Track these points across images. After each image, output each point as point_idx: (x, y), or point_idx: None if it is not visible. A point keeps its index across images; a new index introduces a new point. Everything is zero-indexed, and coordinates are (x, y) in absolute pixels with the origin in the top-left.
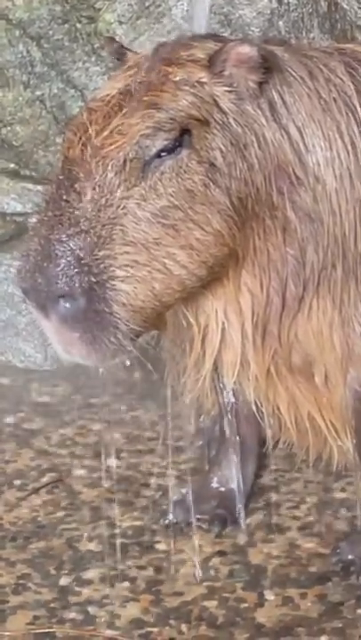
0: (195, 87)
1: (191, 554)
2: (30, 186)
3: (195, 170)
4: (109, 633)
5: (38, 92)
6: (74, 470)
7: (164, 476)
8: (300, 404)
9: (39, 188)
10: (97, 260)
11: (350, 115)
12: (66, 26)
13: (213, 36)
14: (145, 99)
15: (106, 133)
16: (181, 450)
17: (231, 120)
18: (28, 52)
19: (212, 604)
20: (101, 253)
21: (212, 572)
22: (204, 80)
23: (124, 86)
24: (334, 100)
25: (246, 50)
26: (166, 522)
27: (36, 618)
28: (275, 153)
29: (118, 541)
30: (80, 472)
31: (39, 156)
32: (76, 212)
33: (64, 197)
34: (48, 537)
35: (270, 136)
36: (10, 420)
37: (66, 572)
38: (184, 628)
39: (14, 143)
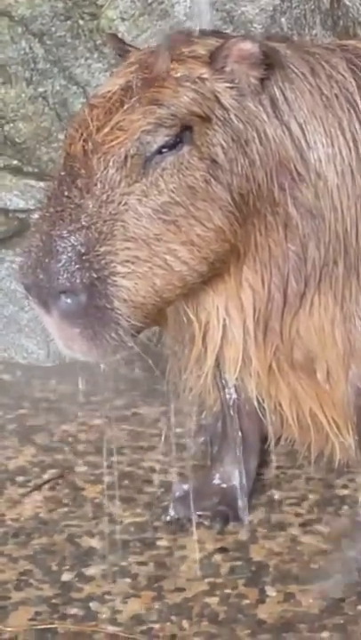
0: (196, 83)
1: (193, 550)
2: (33, 182)
3: (196, 166)
4: (111, 629)
5: (41, 89)
6: (76, 467)
7: (165, 473)
8: (302, 401)
9: (42, 184)
10: (98, 255)
11: (352, 111)
12: (68, 23)
13: (215, 33)
14: (146, 95)
15: (107, 129)
16: (183, 446)
17: (232, 116)
18: (30, 48)
19: (213, 601)
20: (102, 249)
21: (213, 569)
22: (205, 76)
23: (126, 82)
24: (336, 96)
25: (248, 46)
26: (168, 518)
27: (37, 614)
28: (276, 149)
29: (120, 538)
30: (82, 468)
31: (42, 153)
32: (78, 208)
33: (65, 193)
34: (50, 533)
35: (272, 132)
36: (12, 416)
37: (68, 568)
38: (185, 624)
39: (17, 140)
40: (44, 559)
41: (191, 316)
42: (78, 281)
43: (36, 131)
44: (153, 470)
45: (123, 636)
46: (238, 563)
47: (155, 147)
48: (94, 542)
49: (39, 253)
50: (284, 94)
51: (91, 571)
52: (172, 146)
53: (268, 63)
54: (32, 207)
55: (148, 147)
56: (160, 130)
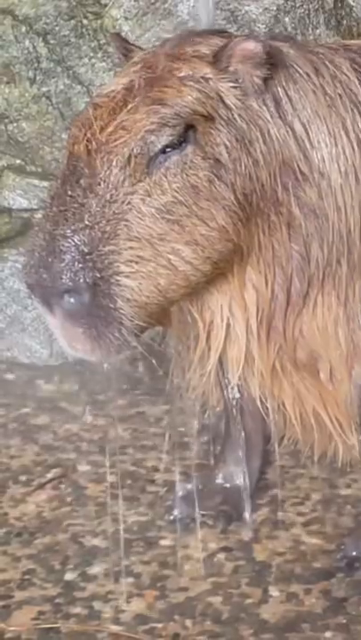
0: (200, 83)
1: (196, 550)
2: (36, 182)
3: (199, 165)
4: (114, 628)
5: (44, 89)
6: (79, 466)
7: (169, 472)
8: (305, 400)
9: (45, 184)
10: (101, 255)
11: (356, 111)
12: (72, 22)
13: (219, 32)
14: (150, 94)
15: (110, 129)
16: (186, 446)
17: (236, 116)
18: (34, 48)
19: (216, 600)
20: (106, 249)
21: (216, 568)
22: (209, 76)
23: (129, 82)
24: (340, 96)
25: (251, 46)
26: (171, 517)
27: (40, 613)
28: (280, 149)
29: (123, 537)
30: (85, 467)
31: (45, 152)
32: (81, 208)
33: (69, 193)
34: (53, 532)
35: (275, 132)
36: (15, 415)
37: (71, 567)
38: (189, 623)
39: (20, 139)
40: (47, 558)
41: (195, 315)
42: (82, 280)
43: (40, 130)
44: (156, 469)
45: (126, 636)
46: (241, 562)
47: (158, 146)
48: (97, 541)
49: (42, 253)
50: (287, 94)
51: (94, 570)
52: (176, 145)
53: (272, 63)
54: (35, 207)
55: (151, 146)
56: (164, 129)
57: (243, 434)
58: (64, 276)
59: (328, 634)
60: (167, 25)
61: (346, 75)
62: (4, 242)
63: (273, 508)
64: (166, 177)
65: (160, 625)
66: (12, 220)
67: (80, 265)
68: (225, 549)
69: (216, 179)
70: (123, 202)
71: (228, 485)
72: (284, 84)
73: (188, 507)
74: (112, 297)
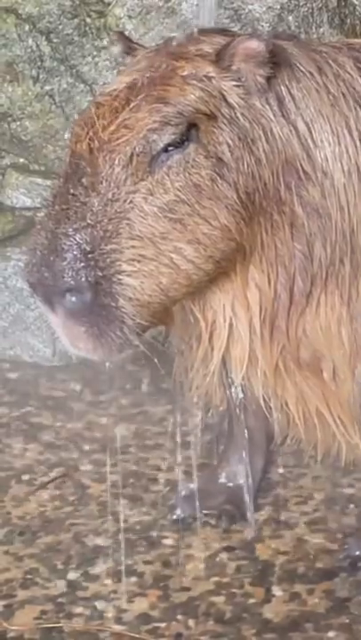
0: (202, 82)
1: (199, 549)
2: (39, 180)
3: (202, 164)
4: (117, 628)
5: (47, 87)
6: (82, 465)
7: (171, 472)
8: (309, 400)
9: (48, 182)
10: (103, 254)
11: (359, 110)
12: (75, 20)
13: (222, 31)
14: (152, 93)
15: (113, 128)
16: (189, 445)
17: (239, 115)
18: (37, 46)
19: (219, 600)
20: (108, 247)
21: (219, 568)
22: (211, 75)
23: (132, 81)
24: (343, 95)
25: (254, 45)
26: (174, 517)
27: (43, 612)
28: (282, 148)
29: (126, 536)
30: (88, 467)
31: (48, 151)
32: (83, 207)
33: (71, 191)
34: (56, 532)
35: (278, 131)
36: (18, 414)
37: (73, 566)
38: (191, 623)
39: (23, 138)
40: (49, 558)
41: (198, 314)
42: (83, 279)
43: (43, 129)
44: (159, 469)
45: (128, 635)
46: (244, 562)
47: (161, 145)
48: (100, 541)
49: (44, 251)
50: (290, 93)
51: (96, 569)
52: (179, 144)
53: (275, 62)
54: (38, 205)
55: (154, 145)
56: (166, 128)
57: (246, 433)
58: (66, 275)
59: (331, 634)
60: (171, 24)
61: (349, 73)
62: (7, 240)
63: (276, 507)
64: (169, 176)
65: (163, 624)
66: (14, 219)
67: (82, 264)
68: (228, 549)
69: (218, 177)
70: (125, 200)
71: (230, 485)
72: (287, 82)
73: (190, 506)
74: (114, 296)
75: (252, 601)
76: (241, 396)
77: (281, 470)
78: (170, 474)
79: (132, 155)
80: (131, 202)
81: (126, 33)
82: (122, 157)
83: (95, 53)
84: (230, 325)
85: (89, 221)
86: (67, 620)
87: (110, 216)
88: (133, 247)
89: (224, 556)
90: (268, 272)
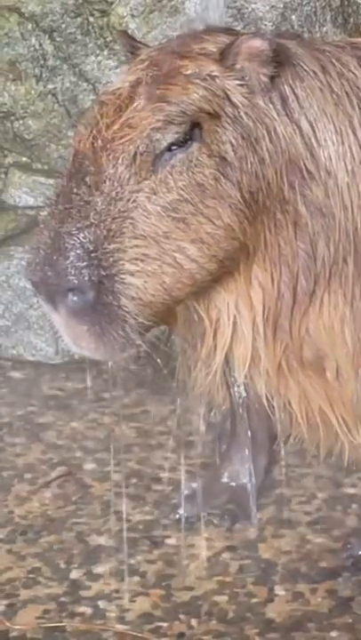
0: (206, 81)
1: (201, 549)
2: (42, 179)
3: (205, 163)
4: (119, 627)
5: (50, 86)
6: (84, 464)
7: (174, 471)
8: (311, 399)
9: (51, 181)
10: (106, 253)
11: None
12: (78, 19)
13: (225, 30)
14: (156, 92)
15: (116, 127)
16: (192, 444)
17: (242, 114)
18: (40, 45)
19: (222, 599)
20: (111, 247)
21: (222, 567)
22: (215, 74)
23: (136, 80)
24: (347, 94)
25: (258, 43)
26: (177, 516)
27: (46, 612)
28: (286, 147)
29: (128, 535)
30: (91, 466)
31: (51, 150)
32: (87, 205)
33: (74, 190)
34: (58, 531)
35: (282, 130)
36: (21, 413)
37: (76, 565)
38: (194, 622)
39: (26, 136)
40: (52, 557)
41: (201, 313)
42: (86, 278)
43: (46, 127)
44: (161, 468)
45: (131, 635)
46: (247, 561)
47: (164, 144)
48: (103, 540)
49: (47, 250)
50: (294, 92)
51: (99, 569)
52: (182, 143)
53: (279, 61)
54: (41, 204)
55: (157, 144)
56: (169, 127)
57: (249, 432)
58: (69, 274)
59: (334, 633)
60: (174, 22)
61: (353, 72)
62: (10, 239)
63: (279, 506)
64: (172, 175)
65: (165, 624)
66: (17, 218)
67: (85, 263)
68: (230, 548)
69: (222, 177)
70: (128, 200)
71: (233, 484)
72: (290, 81)
73: (193, 506)
74: (117, 295)
75: (254, 600)
76: (244, 395)
77: (284, 470)
78: (173, 473)
79: (135, 154)
80: (134, 201)
81: (129, 32)
82: (125, 156)
83: (98, 52)
84: (234, 324)
85: (92, 220)
86: (69, 619)
87: (114, 215)
88: (137, 246)
89: (227, 555)
90: (271, 271)
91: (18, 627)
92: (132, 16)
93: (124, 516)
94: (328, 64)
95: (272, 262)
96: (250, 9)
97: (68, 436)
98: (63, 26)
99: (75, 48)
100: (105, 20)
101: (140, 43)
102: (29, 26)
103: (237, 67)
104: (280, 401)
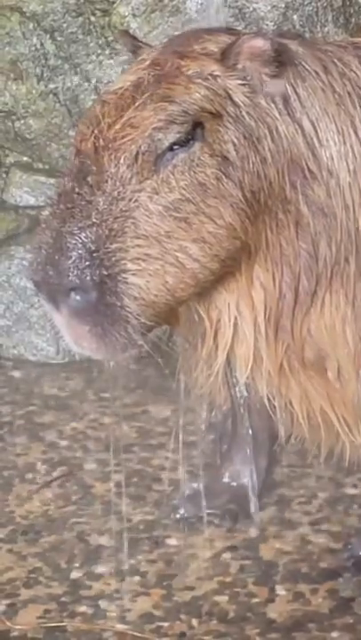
0: (208, 80)
1: (202, 549)
2: (43, 179)
3: (207, 163)
4: (120, 627)
5: (52, 85)
6: (85, 464)
7: (175, 471)
8: (313, 399)
9: (52, 181)
10: (108, 252)
11: None
12: (80, 19)
13: (227, 30)
14: (158, 92)
15: (118, 126)
16: (193, 444)
17: (244, 113)
18: (41, 44)
19: (222, 599)
20: (113, 246)
21: (223, 567)
22: (217, 73)
23: (137, 79)
24: (348, 93)
25: (259, 43)
26: (177, 516)
27: (46, 611)
28: (288, 147)
29: (129, 536)
30: (91, 466)
31: (52, 150)
32: (88, 205)
33: (76, 190)
34: (59, 531)
35: (284, 130)
36: (22, 412)
37: (77, 565)
38: (195, 622)
39: (27, 136)
40: (53, 557)
41: (202, 313)
42: (88, 278)
43: (47, 127)
44: (162, 468)
45: (132, 635)
46: (248, 561)
47: (166, 144)
48: (103, 540)
49: (49, 250)
50: (296, 92)
51: (100, 569)
52: (184, 143)
53: (280, 60)
54: (42, 204)
55: (159, 143)
56: (171, 127)
57: (250, 432)
58: (70, 274)
59: (335, 634)
60: (175, 22)
61: (355, 72)
62: (11, 239)
63: (280, 507)
64: (174, 174)
65: (166, 624)
66: (18, 218)
67: (87, 262)
68: (231, 548)
69: (224, 176)
70: (130, 199)
71: (234, 484)
72: (292, 81)
73: (194, 506)
74: (119, 295)
75: (255, 600)
76: (245, 395)
77: (285, 470)
78: (173, 473)
79: (137, 153)
80: (136, 200)
81: (131, 31)
82: (127, 156)
83: (100, 51)
84: (235, 324)
85: (94, 220)
86: (70, 619)
87: (115, 215)
88: (139, 246)
89: (228, 555)
90: (273, 271)
91: (19, 626)
92: (134, 15)
93: (125, 515)
94: (330, 64)
95: (274, 262)
96: (251, 8)
97: (68, 436)
98: (64, 25)
99: (76, 47)
100: (106, 19)
101: (141, 42)
102: (31, 25)
103: (239, 66)
104: (281, 401)
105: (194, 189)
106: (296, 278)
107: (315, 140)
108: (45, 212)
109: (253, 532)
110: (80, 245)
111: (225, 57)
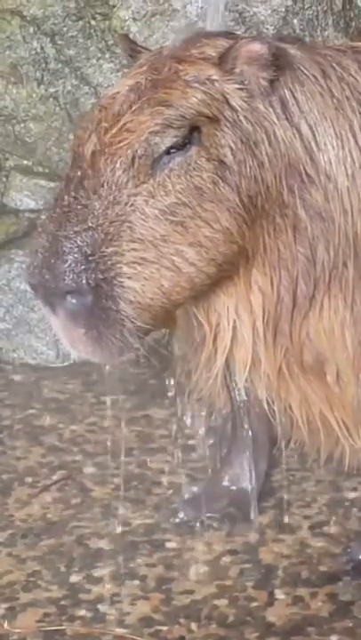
0: (205, 84)
1: (202, 552)
2: (43, 183)
3: (203, 167)
4: (119, 631)
5: (52, 89)
6: (85, 468)
7: (174, 475)
8: (312, 403)
9: (52, 184)
10: (104, 256)
11: None
12: (80, 23)
13: (225, 34)
14: (155, 96)
15: (115, 130)
16: (192, 448)
17: (242, 117)
18: (42, 48)
19: (222, 603)
20: (109, 250)
21: (222, 571)
22: (214, 77)
23: (135, 83)
24: (347, 98)
25: (257, 47)
26: (177, 520)
27: (46, 615)
28: (285, 151)
29: (129, 539)
30: (91, 469)
31: (52, 153)
32: (84, 209)
33: (72, 194)
34: (59, 534)
35: (281, 134)
36: (21, 416)
37: (76, 569)
38: (194, 626)
39: (27, 140)
40: (52, 560)
41: (201, 317)
42: (84, 282)
43: (47, 131)
44: (162, 472)
45: (131, 638)
46: (247, 565)
47: (163, 147)
48: (103, 544)
49: (46, 254)
50: (294, 96)
51: (99, 572)
52: (181, 147)
53: (278, 65)
54: (42, 208)
55: (155, 147)
56: (168, 131)
57: (250, 436)
58: (66, 278)
59: (334, 637)
60: (175, 26)
61: (353, 76)
62: (11, 243)
63: (279, 510)
64: (170, 178)
65: (165, 628)
66: (18, 221)
67: (82, 266)
68: (231, 552)
69: (220, 180)
70: (126, 203)
71: (234, 488)
72: (290, 85)
73: (193, 509)
74: (114, 299)
75: (254, 604)
76: (245, 398)
77: (284, 473)
78: (173, 477)
79: (133, 157)
80: (132, 204)
81: (131, 35)
82: (123, 160)
83: (100, 55)
84: (234, 328)
85: (90, 224)
86: (69, 622)
87: (111, 219)
88: (134, 250)
89: (227, 559)
90: (270, 275)
91: (18, 630)
92: (134, 19)
93: (125, 519)
94: (328, 68)
95: (271, 266)
96: (251, 12)
97: (68, 440)
98: (65, 29)
99: (76, 51)
100: (106, 23)
101: (140, 47)
102: (31, 29)
103: (237, 70)
104: (281, 405)
105: (190, 193)
106: (294, 282)
107: (313, 144)
108: (42, 216)
109: (253, 536)
110: (76, 249)
111: (223, 61)
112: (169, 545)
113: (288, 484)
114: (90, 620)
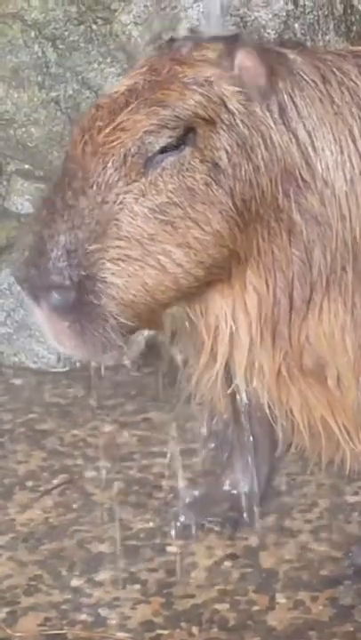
0: (203, 86)
1: (203, 556)
2: (44, 187)
3: (197, 168)
4: (120, 635)
5: (53, 94)
6: (86, 472)
7: (175, 479)
8: (313, 407)
9: None
10: (87, 253)
11: None
12: (81, 27)
13: (226, 37)
14: (152, 97)
15: (109, 130)
16: (193, 452)
17: (238, 121)
18: (43, 52)
19: (223, 607)
20: (92, 247)
21: (223, 575)
22: (212, 79)
23: (133, 84)
24: (347, 103)
25: (249, 64)
26: (178, 524)
27: (47, 619)
28: (281, 156)
29: (130, 543)
30: (92, 473)
31: (53, 157)
32: (70, 209)
33: (60, 195)
34: (60, 538)
35: (278, 139)
36: (22, 420)
37: (77, 573)
38: (195, 630)
39: (29, 144)
40: (53, 564)
41: (200, 320)
42: (67, 278)
43: (48, 135)
44: (163, 476)
45: None
46: (248, 569)
47: (157, 147)
48: (104, 548)
49: (31, 251)
50: (293, 101)
51: (100, 576)
52: (175, 147)
53: (275, 73)
54: None
55: (149, 147)
56: (163, 131)
57: (251, 440)
58: (50, 273)
59: None
60: (177, 30)
61: (354, 81)
62: (12, 247)
63: (280, 515)
64: (162, 177)
65: (166, 632)
66: (20, 225)
67: (65, 262)
68: (232, 556)
69: (214, 183)
70: (115, 202)
71: (235, 492)
72: (290, 90)
73: (194, 513)
74: (97, 294)
75: (256, 608)
76: (246, 402)
77: (285, 478)
78: (174, 481)
79: (125, 156)
80: (121, 202)
81: (132, 40)
82: (115, 159)
83: (101, 60)
84: (232, 331)
85: (74, 222)
86: (70, 626)
87: (98, 218)
88: (119, 247)
89: (228, 563)
90: (265, 277)
91: (19, 634)
92: (135, 24)
93: (126, 523)
94: (328, 73)
95: (266, 268)
96: (253, 17)
97: (69, 444)
98: (66, 33)
99: (77, 56)
100: (108, 27)
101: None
102: (32, 33)
103: (235, 73)
104: (282, 409)
105: (182, 193)
106: (290, 284)
107: (310, 149)
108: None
109: (254, 540)
110: (60, 247)
111: (222, 64)
112: (170, 549)
113: (289, 488)
114: (91, 624)
